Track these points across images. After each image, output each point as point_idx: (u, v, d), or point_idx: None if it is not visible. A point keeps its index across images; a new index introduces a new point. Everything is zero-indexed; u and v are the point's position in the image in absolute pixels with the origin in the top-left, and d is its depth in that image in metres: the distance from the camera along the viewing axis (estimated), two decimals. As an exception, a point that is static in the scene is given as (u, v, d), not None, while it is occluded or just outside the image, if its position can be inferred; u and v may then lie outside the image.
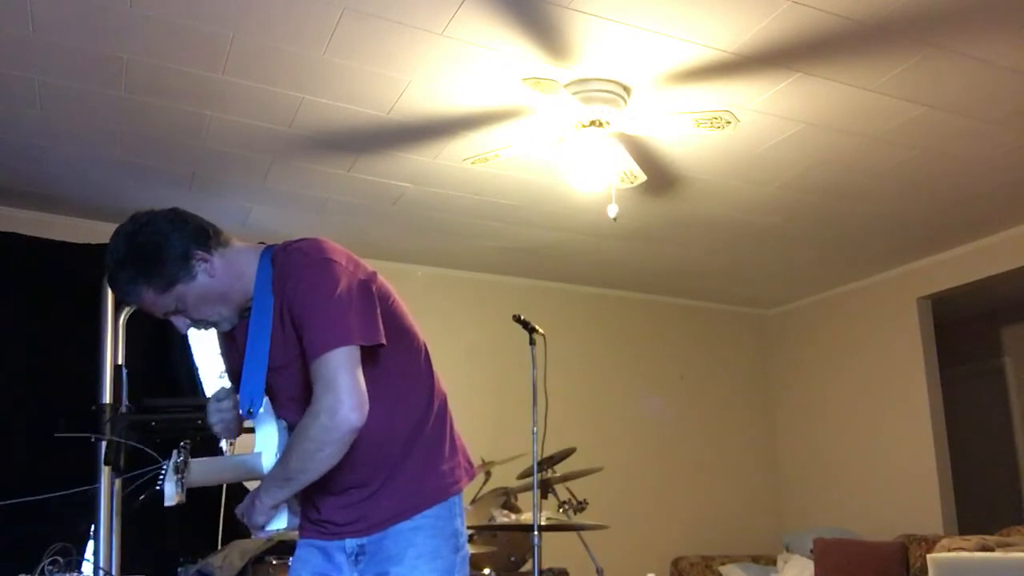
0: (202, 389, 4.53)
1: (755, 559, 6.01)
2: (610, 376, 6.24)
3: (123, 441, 3.28)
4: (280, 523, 1.77)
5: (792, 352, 6.77)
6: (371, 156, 4.15)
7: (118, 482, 3.47)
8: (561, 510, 4.01)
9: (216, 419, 1.87)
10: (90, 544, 3.62)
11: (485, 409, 5.29)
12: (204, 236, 1.77)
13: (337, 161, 4.20)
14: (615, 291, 6.40)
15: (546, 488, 4.05)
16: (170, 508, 1.66)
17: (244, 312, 1.82)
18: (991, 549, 4.13)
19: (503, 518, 3.83)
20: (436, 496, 1.82)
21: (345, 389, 1.63)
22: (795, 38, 3.16)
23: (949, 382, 5.81)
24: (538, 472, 3.44)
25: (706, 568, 5.87)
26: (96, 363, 3.61)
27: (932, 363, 5.71)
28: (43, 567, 2.81)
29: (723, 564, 5.87)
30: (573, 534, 4.12)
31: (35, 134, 3.86)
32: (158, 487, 1.61)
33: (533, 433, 3.39)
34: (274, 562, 3.47)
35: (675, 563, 5.96)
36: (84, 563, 3.36)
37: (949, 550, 4.25)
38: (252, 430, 1.85)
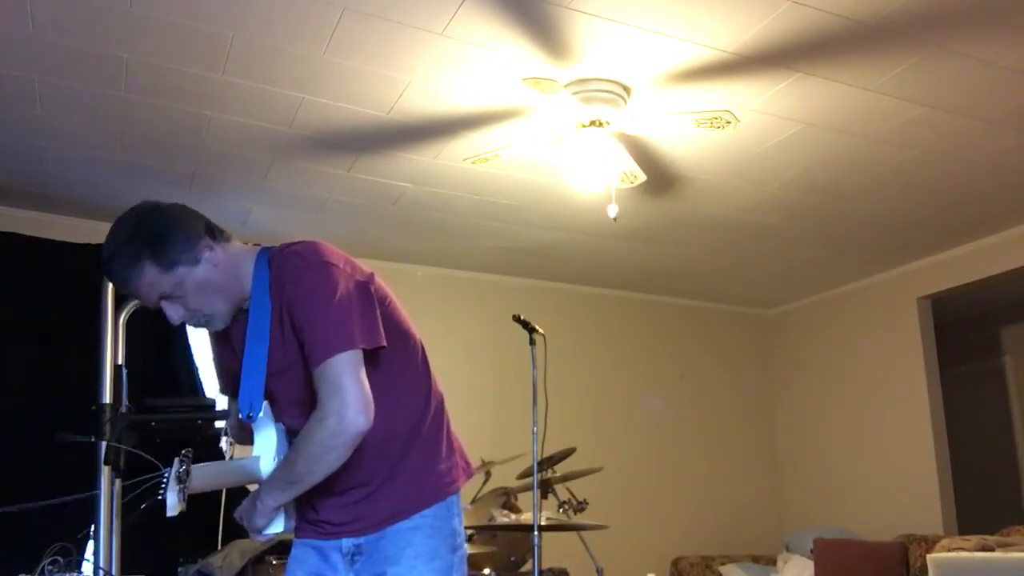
0: (202, 389, 4.53)
1: (755, 559, 6.01)
2: (610, 376, 6.24)
3: (123, 447, 3.27)
4: (278, 527, 1.77)
5: (792, 352, 6.77)
6: (371, 156, 4.15)
7: (118, 482, 3.47)
8: (561, 510, 4.01)
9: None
10: (90, 544, 3.62)
11: (485, 409, 5.30)
12: (209, 228, 1.78)
13: (337, 161, 4.20)
14: (615, 291, 6.40)
15: (546, 488, 4.05)
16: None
17: (238, 313, 1.82)
18: (991, 549, 4.13)
19: (503, 518, 3.83)
20: (434, 496, 1.83)
21: (351, 393, 1.63)
22: (795, 38, 3.16)
23: (949, 382, 5.81)
24: (538, 472, 3.44)
25: (706, 568, 5.87)
26: (96, 363, 3.61)
27: (932, 363, 5.71)
28: (43, 567, 2.81)
29: (723, 564, 5.87)
30: (573, 534, 4.12)
31: (35, 134, 3.86)
32: (160, 497, 1.60)
33: (533, 433, 3.39)
34: (274, 562, 3.47)
35: (675, 563, 5.96)
36: (84, 563, 3.35)
37: (949, 550, 4.25)
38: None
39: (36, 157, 4.08)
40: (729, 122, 3.38)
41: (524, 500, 4.18)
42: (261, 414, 1.77)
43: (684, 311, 6.67)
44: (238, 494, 4.02)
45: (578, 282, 6.21)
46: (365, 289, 1.75)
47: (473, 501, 4.16)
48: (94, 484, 3.48)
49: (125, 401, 3.48)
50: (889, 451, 5.82)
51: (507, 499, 4.19)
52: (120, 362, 3.60)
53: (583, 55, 3.28)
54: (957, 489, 5.55)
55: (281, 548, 3.51)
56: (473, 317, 5.71)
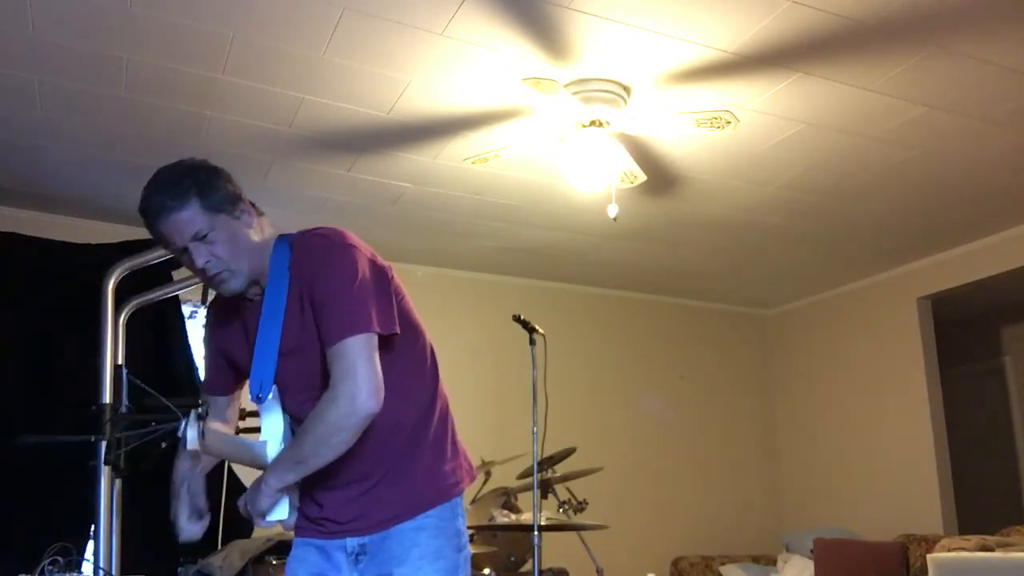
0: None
1: (755, 559, 6.01)
2: (610, 376, 6.24)
3: (122, 452, 3.27)
4: (281, 513, 1.76)
5: (792, 352, 6.77)
6: (371, 156, 4.15)
7: (118, 482, 3.47)
8: (561, 510, 4.01)
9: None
10: (90, 544, 3.62)
11: (485, 409, 5.30)
12: (251, 203, 1.85)
13: (337, 161, 4.20)
14: (615, 291, 6.40)
15: (546, 488, 4.05)
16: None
17: (251, 287, 1.82)
18: (991, 549, 4.13)
19: (503, 518, 3.83)
20: (439, 496, 1.83)
21: (364, 375, 1.65)
22: (795, 38, 3.16)
23: (949, 382, 5.81)
24: (538, 472, 3.44)
25: (706, 568, 5.87)
26: (96, 363, 3.61)
27: (932, 363, 5.71)
28: (43, 567, 2.81)
29: (723, 564, 5.87)
30: (573, 534, 4.12)
31: (35, 134, 3.86)
32: (179, 434, 1.61)
33: (533, 433, 3.39)
34: (274, 562, 3.47)
35: (675, 563, 5.96)
36: (84, 563, 3.35)
37: (949, 550, 4.25)
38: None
39: (36, 157, 4.08)
40: (729, 122, 3.38)
41: (524, 500, 4.18)
42: (271, 396, 1.77)
43: (684, 311, 6.67)
44: (238, 491, 4.03)
45: (578, 282, 6.21)
46: (384, 276, 1.78)
47: (473, 501, 4.16)
48: (94, 484, 3.49)
49: (125, 401, 3.48)
50: (889, 451, 5.82)
51: (507, 499, 4.19)
52: (120, 362, 3.60)
53: (583, 55, 3.28)
54: (957, 489, 5.55)
55: (281, 548, 3.51)
56: (473, 317, 5.71)
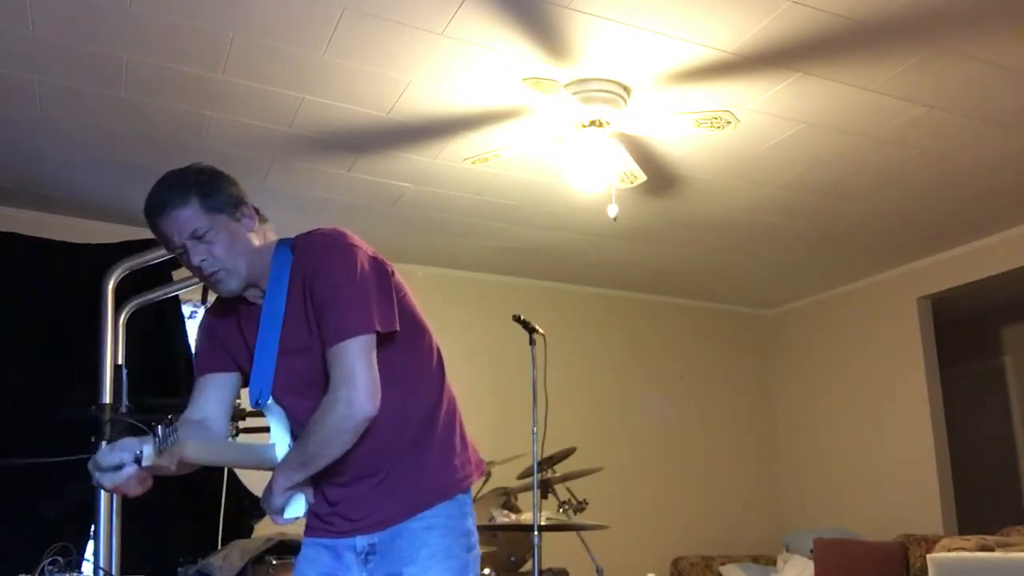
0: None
1: (755, 559, 6.01)
2: (610, 376, 6.23)
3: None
4: (298, 510, 1.79)
5: (792, 352, 6.77)
6: (371, 156, 4.15)
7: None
8: (561, 510, 4.01)
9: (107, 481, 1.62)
10: (90, 544, 3.62)
11: (485, 409, 5.29)
12: (254, 208, 1.88)
13: (337, 161, 4.20)
14: (615, 291, 6.40)
15: (546, 488, 4.05)
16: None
17: (248, 290, 1.82)
18: (991, 549, 4.13)
19: (503, 518, 3.83)
20: (448, 489, 1.83)
21: (362, 379, 1.67)
22: (795, 38, 3.16)
23: (949, 382, 5.81)
24: (538, 472, 3.44)
25: (706, 568, 5.87)
26: (96, 363, 3.61)
27: (932, 363, 5.71)
28: (43, 567, 2.81)
29: (723, 564, 5.87)
30: (573, 534, 4.12)
31: (35, 134, 3.86)
32: (138, 452, 1.59)
33: (533, 433, 3.39)
34: (274, 562, 3.47)
35: (675, 563, 5.96)
36: (84, 563, 3.35)
37: (949, 550, 4.25)
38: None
39: (36, 157, 4.08)
40: (729, 122, 3.38)
41: (524, 500, 4.18)
42: (270, 401, 1.79)
43: (684, 311, 6.67)
44: (239, 494, 4.03)
45: (578, 282, 6.21)
46: (385, 273, 1.79)
47: (473, 501, 4.15)
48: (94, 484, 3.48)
49: (125, 401, 3.48)
50: (889, 451, 5.82)
51: (507, 499, 4.19)
52: (120, 362, 3.60)
53: (583, 55, 3.28)
54: (957, 489, 5.55)
55: (281, 548, 3.51)
56: (473, 317, 5.70)
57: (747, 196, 4.66)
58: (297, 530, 1.94)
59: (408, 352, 1.82)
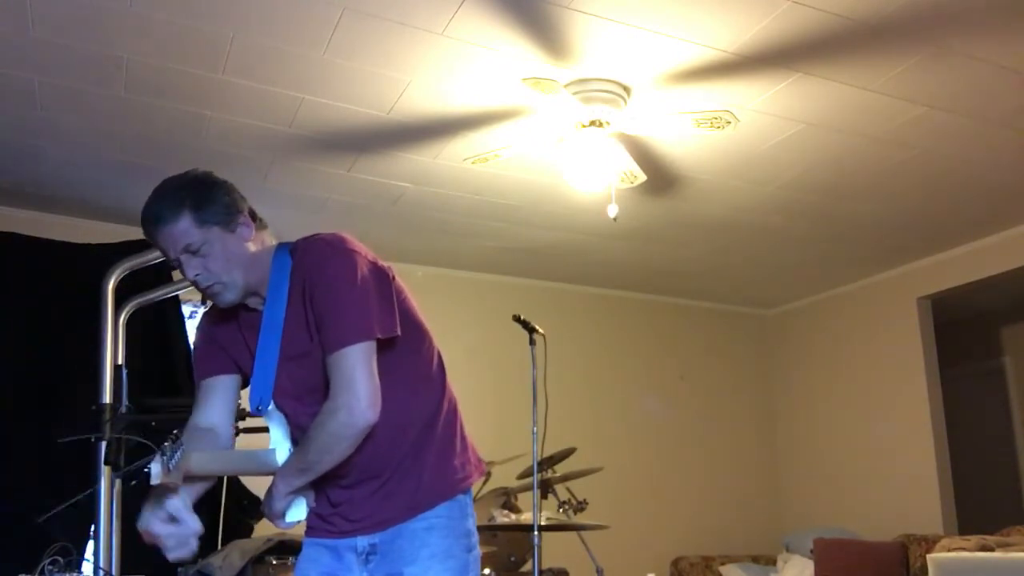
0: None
1: (755, 559, 6.01)
2: (610, 376, 6.23)
3: (123, 438, 3.27)
4: (300, 514, 1.80)
5: (792, 352, 6.77)
6: (371, 156, 4.15)
7: (118, 482, 3.47)
8: (561, 510, 4.01)
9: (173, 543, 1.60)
10: (90, 544, 3.62)
11: (485, 409, 5.28)
12: (252, 213, 1.87)
13: (337, 161, 4.20)
14: (615, 291, 6.40)
15: (546, 488, 4.05)
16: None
17: (248, 297, 1.82)
18: (991, 549, 4.13)
19: (503, 518, 3.83)
20: (448, 491, 1.83)
21: (362, 386, 1.67)
22: (795, 38, 3.16)
23: (949, 382, 5.81)
24: (538, 472, 3.44)
25: (706, 568, 5.87)
26: (96, 363, 3.61)
27: (932, 363, 5.71)
28: (43, 567, 2.81)
29: (723, 564, 5.87)
30: (573, 534, 4.12)
31: (35, 134, 3.86)
32: (146, 470, 1.63)
33: (533, 433, 3.39)
34: (274, 562, 3.47)
35: (675, 563, 5.96)
36: (84, 563, 3.35)
37: (949, 550, 4.25)
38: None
39: (36, 157, 4.08)
40: (729, 122, 3.38)
41: (524, 500, 4.18)
42: (271, 407, 1.78)
43: (684, 311, 6.67)
44: (239, 496, 4.03)
45: (578, 282, 6.21)
46: (385, 278, 1.79)
47: (473, 501, 4.15)
48: (95, 484, 3.49)
49: (125, 401, 3.48)
50: (889, 451, 5.82)
51: (507, 499, 4.19)
52: (120, 362, 3.60)
53: (583, 55, 3.28)
54: (957, 489, 5.55)
55: (281, 548, 3.51)
56: (473, 317, 5.70)
57: (747, 196, 4.66)
58: (297, 530, 1.94)
59: (408, 356, 1.82)
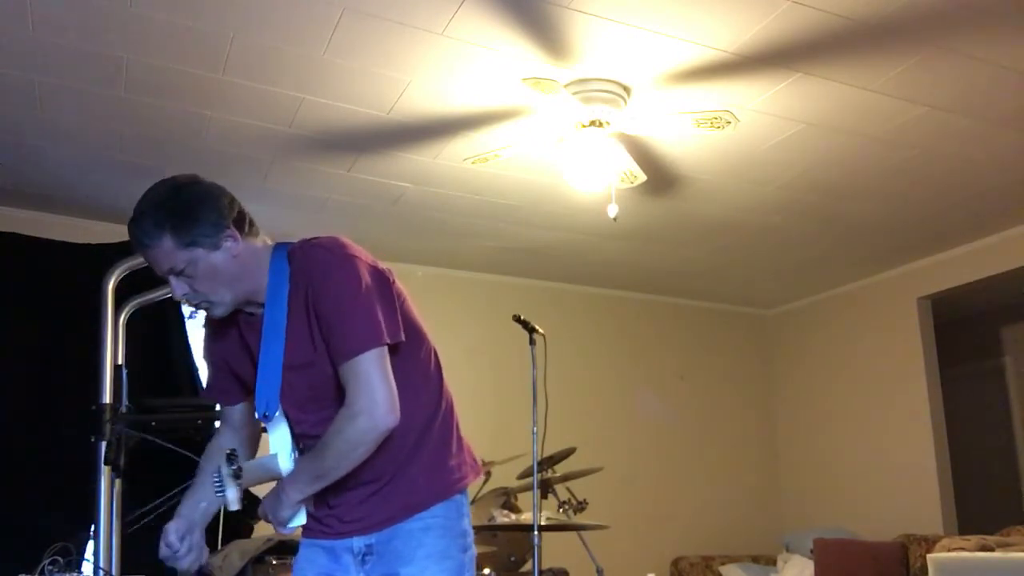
0: (202, 389, 4.52)
1: (755, 559, 6.01)
2: (610, 376, 6.23)
3: (123, 438, 3.27)
4: (301, 519, 1.80)
5: (792, 352, 6.77)
6: (371, 156, 4.15)
7: (118, 482, 3.47)
8: (561, 510, 4.01)
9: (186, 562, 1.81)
10: (90, 544, 3.62)
11: (485, 409, 5.29)
12: (240, 219, 1.78)
13: (337, 161, 4.20)
14: (615, 291, 6.40)
15: (546, 488, 4.05)
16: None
17: (246, 306, 1.82)
18: (991, 549, 4.13)
19: (503, 518, 3.83)
20: (444, 492, 1.83)
21: (380, 391, 1.67)
22: (795, 38, 3.16)
23: (949, 382, 5.81)
24: (538, 472, 3.44)
25: (706, 568, 5.87)
26: (96, 363, 3.61)
27: (932, 363, 5.71)
28: (43, 567, 2.81)
29: (723, 564, 5.87)
30: (573, 534, 4.12)
31: (35, 134, 3.86)
32: (218, 494, 1.70)
33: (533, 433, 3.39)
34: (274, 562, 3.47)
35: (675, 563, 5.96)
36: (84, 563, 3.35)
37: (949, 550, 4.25)
38: None
39: (36, 157, 4.08)
40: (729, 122, 3.38)
41: (524, 500, 4.18)
42: (277, 414, 1.78)
43: (684, 311, 6.67)
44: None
45: (578, 282, 6.21)
46: (386, 283, 1.78)
47: (473, 501, 4.15)
48: (95, 484, 3.49)
49: (125, 401, 3.48)
50: (889, 451, 5.82)
51: (507, 499, 4.19)
52: (120, 362, 3.60)
53: (583, 55, 3.28)
54: (957, 489, 5.55)
55: (281, 548, 3.51)
56: (473, 317, 5.70)
57: (747, 196, 4.66)
58: (297, 531, 1.94)
59: (408, 360, 1.82)
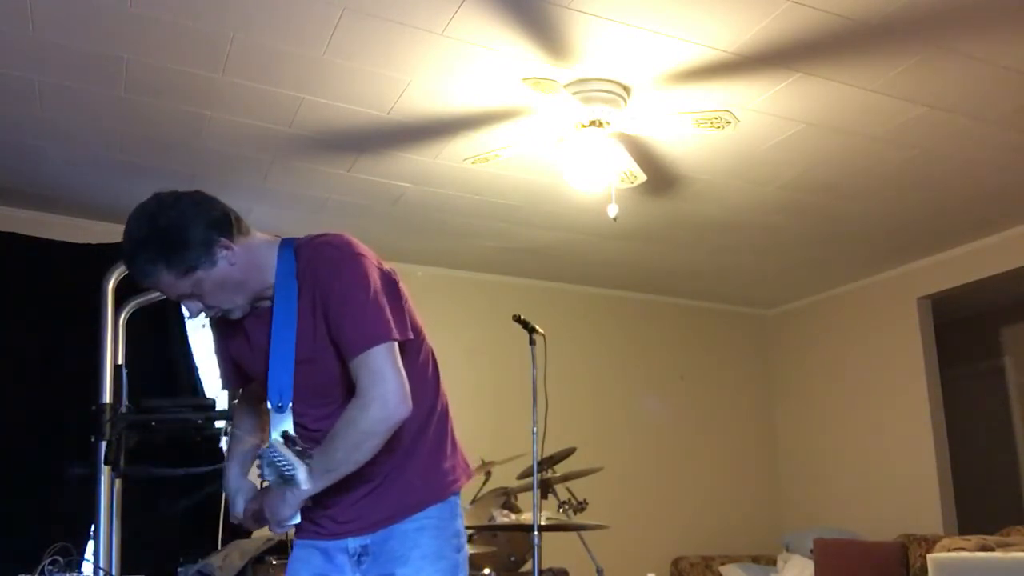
0: (202, 389, 4.53)
1: (755, 559, 6.01)
2: (610, 376, 6.23)
3: (123, 438, 3.28)
4: (297, 518, 1.78)
5: (792, 352, 6.77)
6: (371, 156, 4.15)
7: (118, 482, 3.47)
8: (561, 510, 4.01)
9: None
10: (90, 544, 3.62)
11: (485, 409, 5.29)
12: (227, 223, 1.76)
13: (337, 161, 4.20)
14: (615, 291, 6.40)
15: (546, 488, 4.05)
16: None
17: (257, 301, 1.82)
18: (991, 549, 4.13)
19: (503, 518, 3.83)
20: (438, 493, 1.84)
21: (393, 381, 1.67)
22: (795, 38, 3.16)
23: (949, 382, 5.81)
24: (538, 472, 3.44)
25: (706, 568, 5.87)
26: (96, 363, 3.61)
27: (932, 363, 5.71)
28: (43, 567, 2.81)
29: (723, 564, 5.87)
30: (573, 534, 4.12)
31: (35, 134, 3.86)
32: (287, 472, 1.63)
33: (533, 433, 3.39)
34: (274, 562, 3.47)
35: (675, 563, 5.96)
36: (84, 563, 3.35)
37: (949, 550, 4.25)
38: None
39: (36, 157, 4.08)
40: (729, 122, 3.38)
41: (524, 500, 4.18)
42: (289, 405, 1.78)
43: (684, 311, 6.67)
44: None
45: (578, 282, 6.21)
46: (392, 282, 1.80)
47: (473, 501, 4.16)
48: (95, 484, 3.49)
49: (125, 401, 3.48)
50: (889, 451, 5.82)
51: (507, 499, 4.19)
52: (120, 362, 3.60)
53: (583, 55, 3.28)
54: (957, 489, 5.55)
55: (281, 548, 3.51)
56: (473, 317, 5.70)
57: (747, 196, 4.66)
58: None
59: (409, 362, 1.81)
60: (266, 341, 1.80)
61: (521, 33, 3.12)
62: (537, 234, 5.24)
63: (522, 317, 3.49)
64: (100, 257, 4.00)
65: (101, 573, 3.34)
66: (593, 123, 3.50)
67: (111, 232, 4.48)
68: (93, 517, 3.50)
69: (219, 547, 3.69)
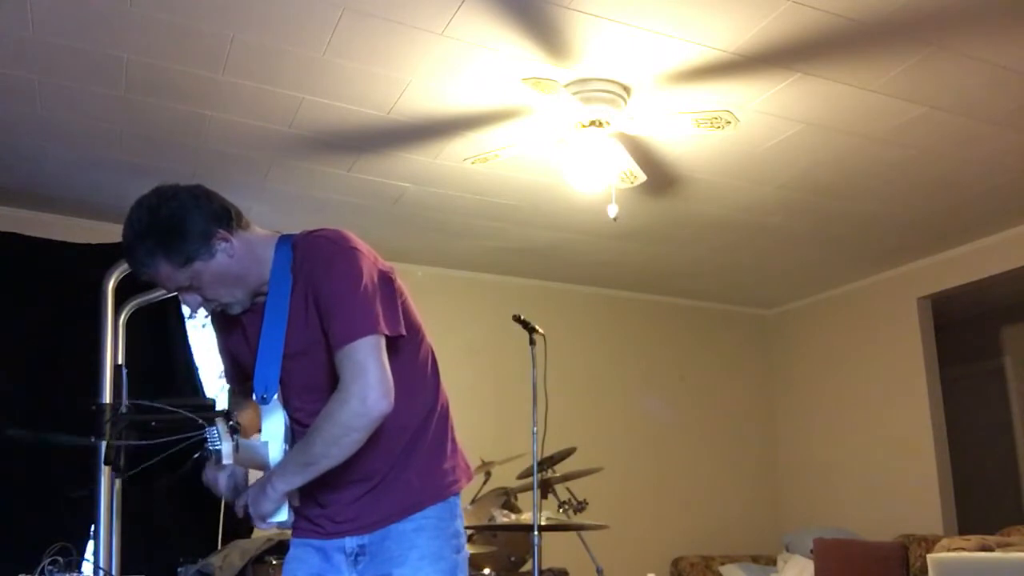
0: (202, 389, 4.53)
1: (755, 559, 6.01)
2: (610, 376, 6.24)
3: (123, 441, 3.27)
4: (282, 515, 1.75)
5: (792, 352, 6.77)
6: (371, 156, 4.15)
7: (118, 482, 3.47)
8: (561, 510, 4.01)
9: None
10: (90, 544, 3.62)
11: (485, 409, 5.30)
12: (227, 216, 1.77)
13: (337, 161, 4.20)
14: (615, 291, 6.40)
15: (546, 488, 4.05)
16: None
17: (256, 297, 1.83)
18: (991, 549, 4.13)
19: (503, 518, 3.83)
20: (437, 494, 1.83)
21: (375, 375, 1.64)
22: (795, 38, 3.16)
23: (949, 382, 5.81)
24: (538, 472, 3.44)
25: (706, 568, 5.87)
26: (96, 363, 3.61)
27: (932, 363, 5.71)
28: (43, 567, 2.81)
29: (723, 564, 5.87)
30: (573, 534, 4.12)
31: (35, 134, 3.86)
32: (211, 447, 1.63)
33: (533, 433, 3.39)
34: (274, 562, 3.47)
35: (675, 563, 5.96)
36: (84, 563, 3.36)
37: (949, 550, 4.24)
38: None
39: (36, 157, 4.08)
40: (729, 122, 3.38)
41: (524, 500, 4.18)
42: (275, 398, 1.77)
43: (684, 311, 6.67)
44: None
45: (578, 282, 6.21)
46: (388, 279, 1.79)
47: (473, 501, 4.16)
48: (94, 484, 3.49)
49: (125, 401, 3.48)
50: (889, 451, 5.82)
51: (507, 499, 4.19)
52: (120, 362, 3.60)
53: (583, 55, 3.28)
54: (957, 489, 5.55)
55: (281, 548, 3.51)
56: (473, 317, 5.70)
57: (747, 196, 4.66)
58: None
59: (407, 361, 1.82)
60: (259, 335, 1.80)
61: (521, 33, 3.12)
62: (537, 234, 5.24)
63: (522, 317, 3.49)
64: (100, 257, 4.00)
65: (101, 573, 3.34)
66: (593, 123, 3.50)
67: (111, 232, 4.47)
68: (93, 517, 3.50)
69: (219, 547, 3.69)
